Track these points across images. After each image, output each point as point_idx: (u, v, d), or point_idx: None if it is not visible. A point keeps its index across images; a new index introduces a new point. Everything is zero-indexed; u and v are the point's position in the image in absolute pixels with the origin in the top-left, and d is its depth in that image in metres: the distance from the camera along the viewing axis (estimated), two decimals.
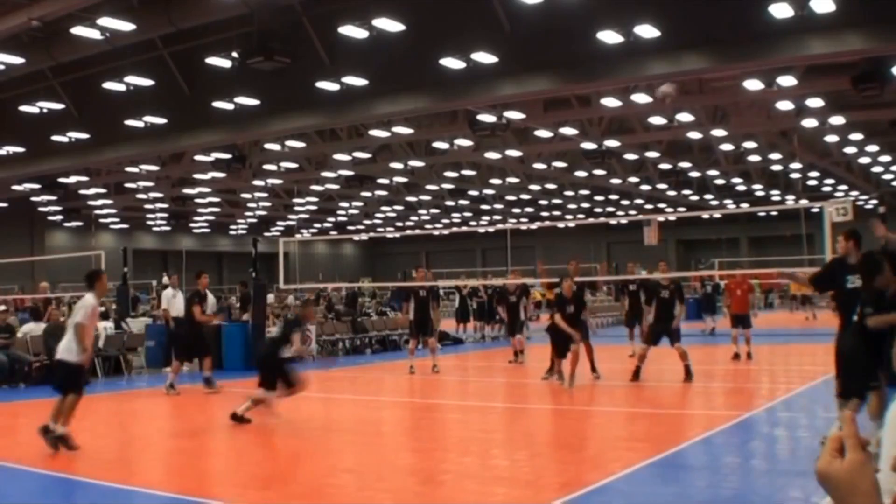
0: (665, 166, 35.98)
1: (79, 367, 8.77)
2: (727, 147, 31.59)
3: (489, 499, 6.78)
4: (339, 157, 31.68)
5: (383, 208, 50.00)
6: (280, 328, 11.03)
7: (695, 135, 27.79)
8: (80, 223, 47.82)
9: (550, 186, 41.81)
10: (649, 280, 15.52)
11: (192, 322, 14.29)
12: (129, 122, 22.80)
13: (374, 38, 16.88)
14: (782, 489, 6.78)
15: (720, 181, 40.78)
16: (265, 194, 42.06)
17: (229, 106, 21.04)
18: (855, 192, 42.14)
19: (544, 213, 51.81)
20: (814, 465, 1.31)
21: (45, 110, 22.79)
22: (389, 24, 16.40)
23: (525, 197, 44.61)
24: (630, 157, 33.72)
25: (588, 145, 27.81)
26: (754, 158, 33.57)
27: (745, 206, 44.55)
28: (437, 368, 16.06)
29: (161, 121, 22.73)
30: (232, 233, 60.65)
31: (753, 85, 19.38)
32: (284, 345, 10.52)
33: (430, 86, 19.03)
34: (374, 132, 25.93)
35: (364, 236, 68.48)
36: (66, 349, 8.78)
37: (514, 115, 22.66)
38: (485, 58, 17.28)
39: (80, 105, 23.30)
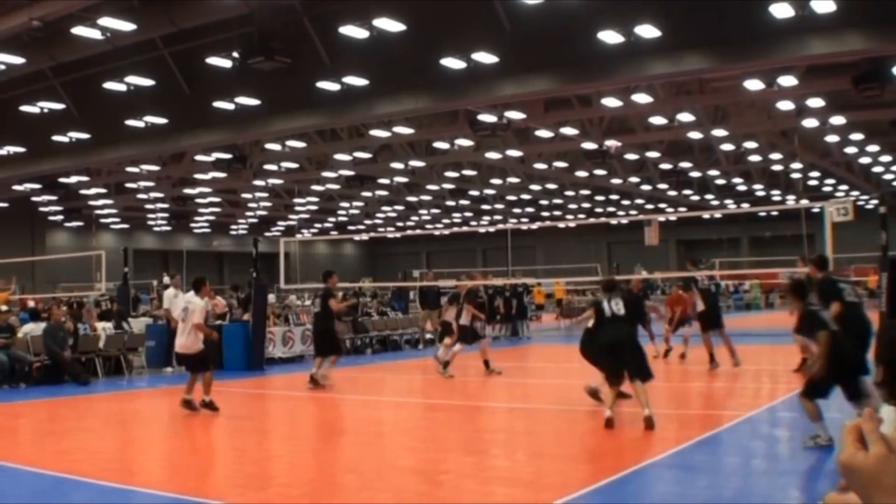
0: (666, 166, 35.97)
1: (202, 352, 11.20)
2: (728, 147, 31.58)
3: (489, 499, 6.78)
4: (339, 156, 31.68)
5: (384, 208, 50.00)
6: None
7: (695, 135, 27.78)
8: (80, 223, 47.85)
9: (551, 186, 41.80)
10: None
11: (327, 318, 14.64)
12: (130, 122, 22.82)
13: (375, 38, 16.89)
14: (782, 489, 6.78)
15: (721, 181, 40.78)
16: (266, 194, 42.07)
17: (230, 106, 21.05)
18: (855, 193, 42.14)
19: (545, 213, 51.81)
20: (837, 457, 1.30)
21: (45, 110, 22.80)
22: (390, 24, 16.40)
23: (526, 197, 44.61)
24: (631, 157, 33.72)
25: (589, 145, 27.80)
26: (755, 158, 33.57)
27: (745, 206, 44.55)
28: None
29: (161, 121, 22.74)
30: (232, 233, 60.66)
31: (754, 85, 19.37)
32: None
33: (431, 86, 19.03)
34: (375, 132, 25.93)
35: (365, 236, 68.49)
36: (188, 344, 11.14)
37: (515, 115, 22.66)
38: (485, 58, 17.28)
39: (80, 105, 23.31)
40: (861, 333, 9.56)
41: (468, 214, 53.07)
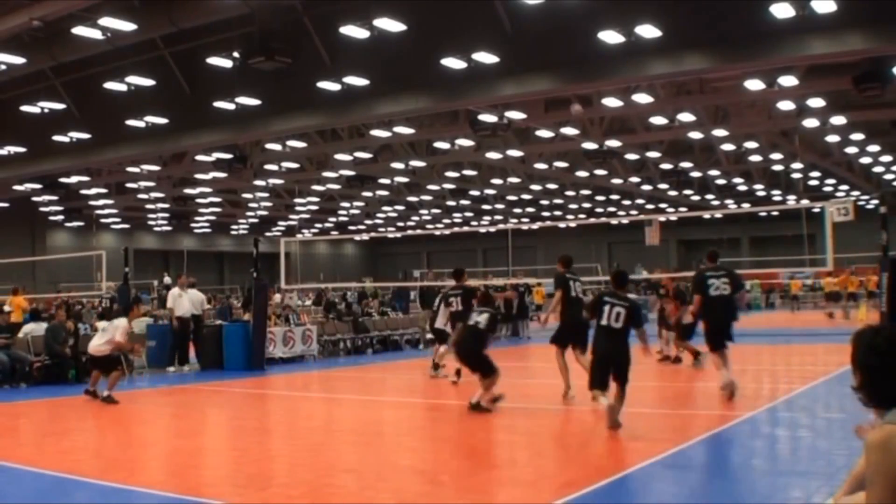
0: (666, 166, 35.97)
1: (108, 356, 12.52)
2: (728, 147, 31.59)
3: (489, 499, 6.78)
4: (340, 156, 31.69)
5: (384, 208, 50.01)
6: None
7: (696, 135, 27.78)
8: (81, 223, 47.88)
9: (551, 186, 41.81)
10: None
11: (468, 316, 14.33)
12: (130, 122, 22.83)
13: (375, 38, 16.89)
14: (783, 489, 6.77)
15: (721, 181, 40.79)
16: (266, 194, 42.08)
17: (230, 106, 21.06)
18: (856, 193, 42.14)
19: (545, 213, 51.81)
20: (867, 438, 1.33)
21: (46, 110, 22.82)
22: (390, 24, 16.40)
23: (526, 197, 44.62)
24: (631, 157, 33.72)
25: (589, 145, 27.81)
26: (755, 158, 33.56)
27: (746, 206, 44.54)
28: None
29: (162, 121, 22.75)
30: (233, 233, 60.67)
31: (754, 85, 19.37)
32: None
33: (432, 86, 19.04)
34: (376, 132, 25.94)
35: (365, 236, 68.49)
36: (99, 349, 12.50)
37: (516, 115, 22.67)
38: (486, 58, 17.28)
39: (81, 105, 23.32)
40: (716, 324, 11.40)
41: (469, 214, 53.09)
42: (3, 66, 18.91)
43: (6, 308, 16.39)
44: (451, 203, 46.46)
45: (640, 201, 47.20)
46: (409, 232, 61.18)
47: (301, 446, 9.41)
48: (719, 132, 27.06)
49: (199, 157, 29.15)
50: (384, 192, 42.26)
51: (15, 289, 20.00)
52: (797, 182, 41.12)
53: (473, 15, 17.69)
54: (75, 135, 24.50)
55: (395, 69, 18.65)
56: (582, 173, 36.11)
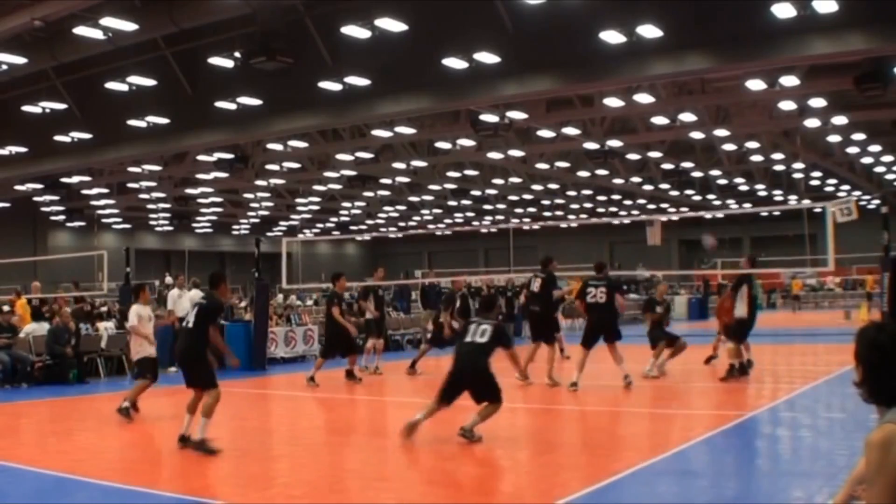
0: (668, 166, 35.95)
1: (143, 357, 11.20)
2: (730, 147, 31.57)
3: (489, 499, 6.78)
4: (341, 156, 31.69)
5: (386, 208, 50.00)
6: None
7: (697, 135, 27.76)
8: (82, 223, 47.88)
9: (553, 186, 41.79)
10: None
11: (332, 320, 14.86)
12: (132, 122, 22.82)
13: (377, 38, 16.89)
14: (785, 489, 6.77)
15: (723, 181, 40.76)
16: (268, 194, 42.08)
17: (232, 106, 21.06)
18: (857, 193, 42.10)
19: (547, 213, 51.78)
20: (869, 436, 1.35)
21: (47, 110, 22.82)
22: (392, 24, 16.40)
23: (527, 197, 44.60)
24: (632, 157, 33.70)
25: (590, 145, 27.80)
26: (757, 158, 33.55)
27: (747, 206, 44.47)
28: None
29: (163, 121, 22.75)
30: (234, 233, 60.66)
31: (756, 85, 19.36)
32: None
33: (433, 86, 19.03)
34: (377, 132, 25.93)
35: (367, 236, 68.46)
36: (137, 351, 11.34)
37: (517, 115, 22.66)
38: (487, 58, 17.28)
39: (82, 105, 23.32)
40: (589, 326, 13.28)
41: (470, 214, 53.07)
42: (5, 66, 18.91)
43: (5, 308, 16.37)
44: (452, 203, 46.44)
45: (641, 201, 47.15)
46: (411, 232, 61.13)
47: (302, 446, 9.42)
48: (721, 132, 27.04)
49: (201, 157, 29.16)
50: (385, 192, 42.25)
51: (18, 292, 19.96)
52: (798, 182, 41.09)
53: (475, 15, 17.68)
54: (77, 135, 24.50)
55: (396, 69, 18.65)
56: (583, 173, 36.10)
